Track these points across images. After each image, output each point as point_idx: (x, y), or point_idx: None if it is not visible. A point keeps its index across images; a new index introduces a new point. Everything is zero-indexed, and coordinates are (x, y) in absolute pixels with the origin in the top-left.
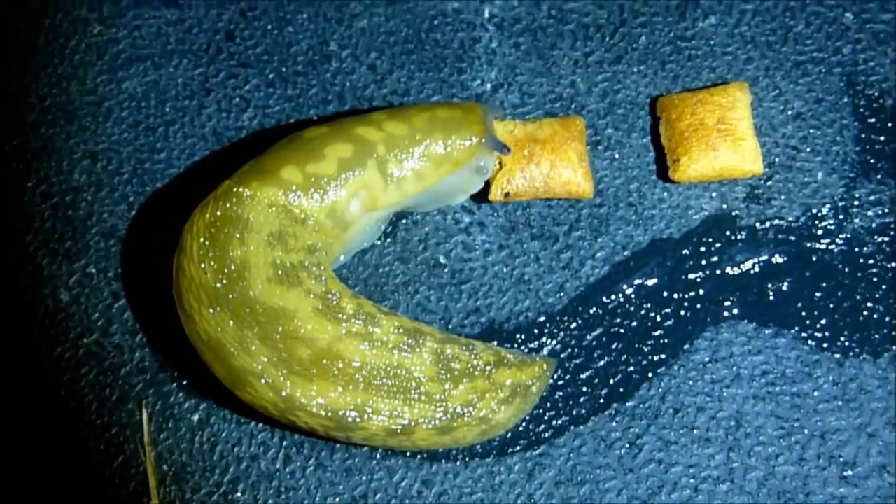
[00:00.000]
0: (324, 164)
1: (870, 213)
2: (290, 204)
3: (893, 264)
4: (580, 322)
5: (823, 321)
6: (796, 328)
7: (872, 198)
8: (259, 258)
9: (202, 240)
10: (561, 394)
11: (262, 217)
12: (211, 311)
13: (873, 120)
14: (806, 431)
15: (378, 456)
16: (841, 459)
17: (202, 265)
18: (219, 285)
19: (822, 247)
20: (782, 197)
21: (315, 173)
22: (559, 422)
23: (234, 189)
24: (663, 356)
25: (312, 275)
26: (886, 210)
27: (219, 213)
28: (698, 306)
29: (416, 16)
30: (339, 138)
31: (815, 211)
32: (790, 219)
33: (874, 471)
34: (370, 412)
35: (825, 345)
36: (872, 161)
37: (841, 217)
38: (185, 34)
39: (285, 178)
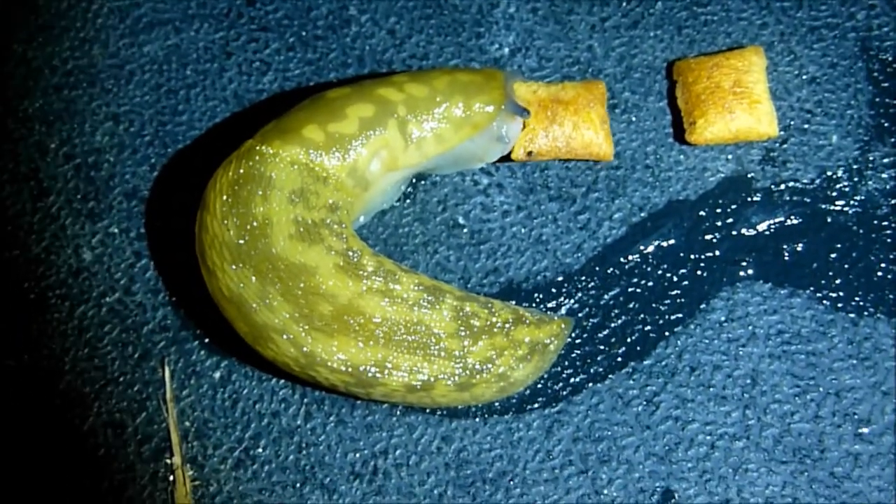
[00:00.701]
0: (345, 123)
1: (884, 175)
2: (312, 162)
3: None
4: (597, 282)
5: (838, 281)
6: (811, 288)
7: (886, 160)
8: (281, 215)
9: (225, 197)
10: (579, 352)
11: (284, 175)
12: (233, 267)
13: (887, 84)
14: (821, 389)
15: (398, 412)
16: (856, 417)
17: (225, 222)
18: (241, 242)
19: (837, 208)
20: (797, 159)
21: (337, 132)
22: (577, 379)
23: (257, 147)
24: (680, 315)
25: (334, 232)
26: None
27: (242, 170)
28: (714, 267)
29: None
30: (360, 98)
31: (829, 173)
32: (805, 181)
33: (888, 428)
34: (390, 368)
35: (840, 304)
36: (886, 124)
37: (855, 179)
38: None
39: (307, 136)
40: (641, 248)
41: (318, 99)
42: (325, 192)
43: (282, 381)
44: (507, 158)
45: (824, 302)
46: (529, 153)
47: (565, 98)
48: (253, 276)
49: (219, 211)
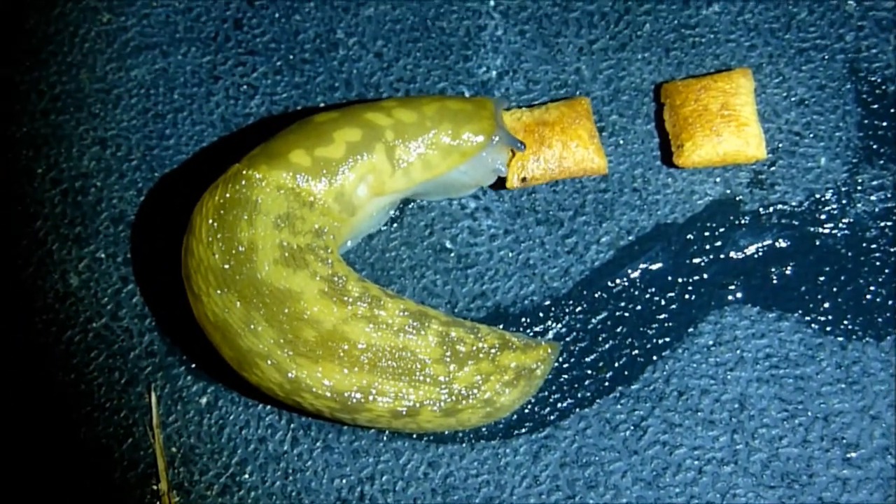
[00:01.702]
0: (332, 147)
1: (872, 197)
2: (299, 187)
3: None
4: (585, 306)
5: (826, 305)
6: (800, 312)
7: (875, 183)
8: (266, 240)
9: (211, 221)
10: (566, 377)
11: (270, 199)
12: (218, 292)
13: (876, 106)
14: (809, 414)
15: (385, 438)
16: (844, 441)
17: (210, 246)
18: (226, 266)
19: (826, 231)
20: (786, 182)
21: (323, 157)
22: (564, 404)
23: (244, 172)
24: (668, 339)
25: (319, 257)
26: (889, 195)
27: (228, 195)
28: (702, 290)
29: (421, 4)
30: (348, 123)
31: (818, 196)
32: (793, 204)
33: (877, 453)
34: (375, 394)
35: (828, 328)
36: (875, 147)
37: (844, 202)
38: (193, 22)
39: (294, 161)
40: (629, 271)
41: (305, 123)
42: (312, 217)
43: (268, 407)
44: (500, 185)
45: (813, 326)
46: (524, 179)
47: (550, 119)
48: (238, 301)
49: (204, 235)
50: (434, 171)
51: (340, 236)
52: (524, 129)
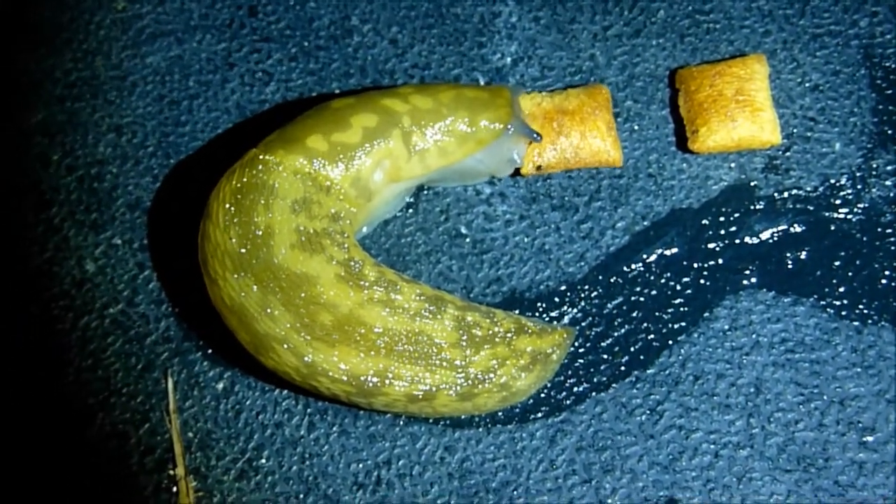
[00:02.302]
0: (349, 133)
1: (887, 182)
2: (315, 172)
3: None
4: (601, 291)
5: (842, 289)
6: (815, 296)
7: (890, 168)
8: (283, 224)
9: (228, 206)
10: (582, 361)
11: (287, 184)
12: (235, 276)
13: (890, 91)
14: (825, 398)
15: (401, 422)
16: (860, 425)
17: (227, 231)
18: (243, 251)
19: (840, 216)
20: (800, 167)
21: (340, 142)
22: (580, 389)
23: (261, 156)
24: (683, 324)
25: (335, 242)
26: None
27: (245, 179)
28: (718, 275)
29: None
30: (365, 109)
31: (832, 181)
32: (808, 189)
33: (893, 436)
34: (391, 378)
35: (844, 312)
36: (889, 132)
37: (859, 187)
38: (208, 9)
39: (311, 146)
40: (644, 256)
41: (322, 108)
42: (328, 201)
43: (285, 392)
44: (515, 171)
45: (828, 310)
46: (539, 167)
47: (570, 108)
48: (254, 285)
49: (221, 220)
50: (450, 158)
51: (357, 221)
52: (543, 115)
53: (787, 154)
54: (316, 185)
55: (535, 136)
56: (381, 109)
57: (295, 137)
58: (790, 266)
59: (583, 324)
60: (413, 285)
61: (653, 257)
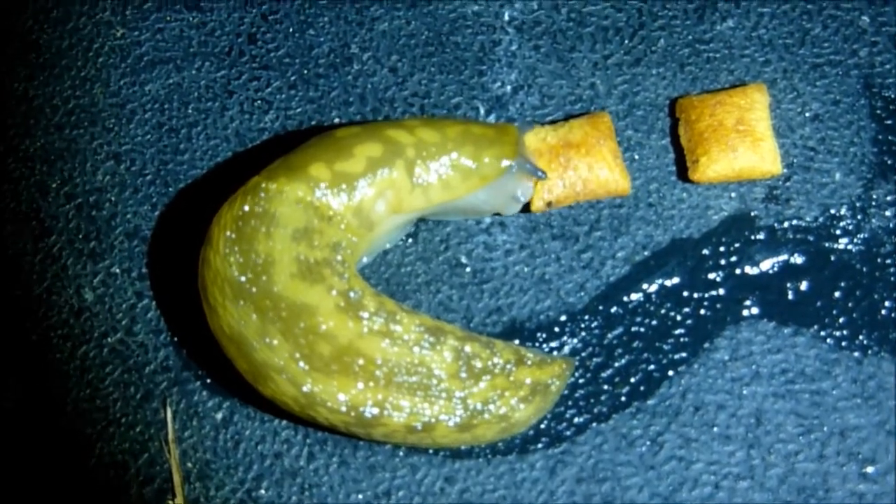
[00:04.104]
0: (352, 162)
1: (887, 213)
2: (318, 201)
3: None
4: (601, 321)
5: (842, 320)
6: (815, 327)
7: (890, 198)
8: (284, 253)
9: (229, 233)
10: (582, 392)
11: (288, 212)
12: (235, 304)
13: (890, 122)
14: (825, 429)
15: (401, 453)
16: (860, 456)
17: (228, 258)
18: (243, 279)
19: (841, 247)
20: (801, 197)
21: (343, 171)
22: (581, 419)
23: (263, 184)
24: (684, 355)
25: (336, 272)
26: None
27: (246, 207)
28: (718, 306)
29: (436, 18)
30: (369, 138)
31: (833, 211)
32: (808, 219)
33: (893, 467)
34: (390, 409)
35: (844, 343)
36: (890, 162)
37: (859, 217)
38: (207, 37)
39: (313, 174)
40: (645, 286)
41: (326, 137)
42: (330, 231)
43: (284, 422)
44: (525, 208)
45: (828, 341)
46: (549, 203)
47: (575, 140)
48: (254, 313)
49: (222, 247)
50: (453, 193)
51: (357, 251)
52: (549, 150)
53: (788, 184)
54: (318, 214)
55: (539, 173)
56: (385, 139)
57: (298, 165)
58: (791, 296)
59: (583, 354)
60: (413, 316)
61: (653, 287)
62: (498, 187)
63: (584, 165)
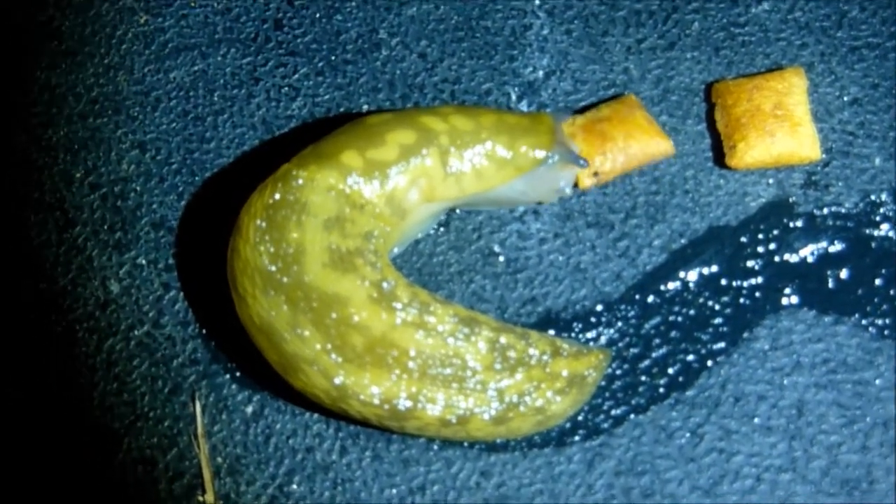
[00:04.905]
0: (385, 149)
1: None
2: (350, 189)
3: None
4: (638, 310)
5: (884, 308)
6: (857, 315)
7: None
8: (315, 242)
9: (259, 222)
10: (620, 383)
11: (320, 201)
12: (265, 294)
13: None
14: (868, 419)
15: (435, 447)
16: None
17: (258, 247)
18: (273, 268)
19: (882, 233)
20: (840, 183)
21: (375, 159)
22: (618, 412)
23: (294, 172)
24: (722, 345)
25: (368, 262)
26: None
27: (277, 195)
28: (757, 294)
29: (465, 3)
30: (401, 125)
31: (873, 197)
32: (848, 205)
33: None
34: (424, 401)
35: (886, 332)
36: None
37: None
38: (232, 23)
39: (345, 162)
40: (682, 275)
41: (357, 124)
42: (362, 219)
43: (316, 416)
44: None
45: (870, 329)
46: (595, 174)
47: (606, 115)
48: (284, 304)
49: (252, 236)
50: (486, 183)
51: (390, 240)
52: (582, 130)
53: (826, 170)
54: (350, 202)
55: (581, 161)
56: (418, 126)
57: (329, 153)
58: (831, 284)
59: (620, 345)
60: (447, 306)
61: (691, 276)
62: (538, 178)
63: (621, 134)
